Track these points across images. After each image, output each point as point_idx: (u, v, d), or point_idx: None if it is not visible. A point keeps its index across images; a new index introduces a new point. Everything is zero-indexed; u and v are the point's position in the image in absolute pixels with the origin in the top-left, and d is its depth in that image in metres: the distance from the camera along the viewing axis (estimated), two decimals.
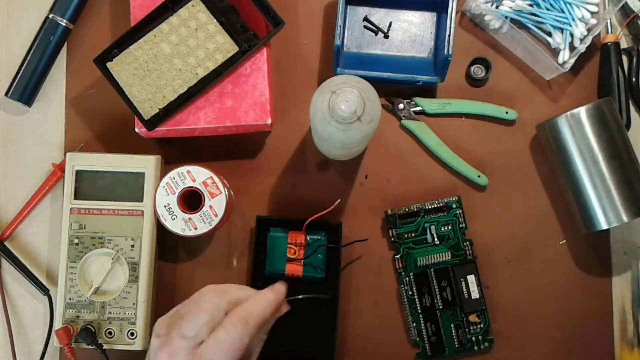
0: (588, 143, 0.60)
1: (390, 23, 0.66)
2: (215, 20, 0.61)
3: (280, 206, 0.65)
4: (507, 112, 0.65)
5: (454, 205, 0.64)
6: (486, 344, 0.63)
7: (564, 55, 0.64)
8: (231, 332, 0.46)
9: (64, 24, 0.64)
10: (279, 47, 0.66)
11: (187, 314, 0.47)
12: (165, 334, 0.47)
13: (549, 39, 0.65)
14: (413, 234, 0.64)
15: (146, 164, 0.61)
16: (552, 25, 0.65)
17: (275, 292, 0.52)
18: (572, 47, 0.65)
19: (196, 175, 0.59)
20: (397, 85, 0.65)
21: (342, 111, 0.48)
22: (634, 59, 0.66)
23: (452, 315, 0.63)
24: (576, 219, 0.64)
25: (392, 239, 0.64)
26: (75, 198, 0.61)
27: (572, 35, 0.64)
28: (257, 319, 0.47)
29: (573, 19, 0.64)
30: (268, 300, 0.50)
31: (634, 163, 0.61)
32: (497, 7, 0.65)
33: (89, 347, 0.59)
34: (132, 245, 0.61)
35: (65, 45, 0.66)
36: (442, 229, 0.64)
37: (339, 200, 0.61)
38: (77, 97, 0.66)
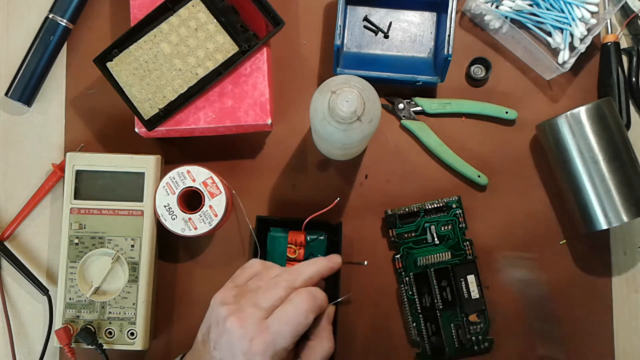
0: (588, 143, 0.60)
1: (390, 23, 0.66)
2: (215, 20, 0.61)
3: (280, 206, 0.65)
4: (507, 112, 0.65)
5: (454, 205, 0.64)
6: (486, 344, 0.63)
7: (564, 55, 0.64)
8: (298, 307, 0.48)
9: (64, 24, 0.64)
10: (279, 47, 0.66)
11: (263, 288, 0.50)
12: (234, 302, 0.49)
13: (549, 39, 0.65)
14: (413, 234, 0.64)
15: (146, 164, 0.61)
16: (552, 25, 0.65)
17: (333, 262, 0.54)
18: (572, 47, 0.65)
19: (196, 175, 0.59)
20: (397, 85, 0.66)
21: (342, 111, 0.48)
22: (634, 59, 0.66)
23: (452, 315, 0.63)
24: (576, 219, 0.64)
25: (392, 239, 0.64)
26: (75, 198, 0.61)
27: (572, 35, 0.64)
28: (322, 300, 0.50)
29: (573, 19, 0.64)
30: (330, 267, 0.53)
31: (634, 163, 0.61)
32: (497, 7, 0.65)
33: (89, 347, 0.59)
34: (132, 245, 0.61)
35: (65, 45, 0.66)
36: (442, 229, 0.64)
37: (338, 199, 0.61)
38: (77, 97, 0.66)
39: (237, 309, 0.48)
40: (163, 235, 0.62)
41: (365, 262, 0.61)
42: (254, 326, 0.47)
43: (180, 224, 0.59)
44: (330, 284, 0.61)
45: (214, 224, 0.59)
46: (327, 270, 0.53)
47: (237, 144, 0.65)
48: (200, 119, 0.61)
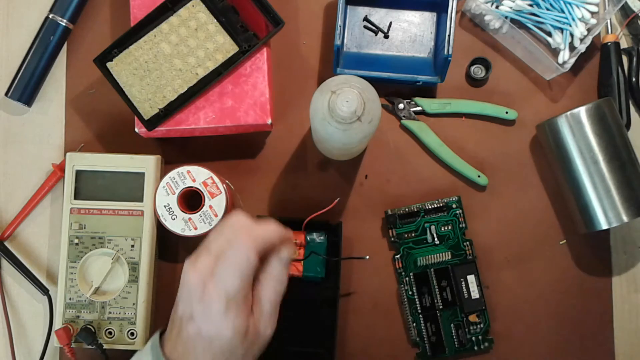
0: (588, 143, 0.60)
1: (390, 23, 0.66)
2: (215, 20, 0.61)
3: (280, 206, 0.65)
4: (507, 112, 0.65)
5: (454, 205, 0.64)
6: (486, 344, 0.63)
7: (564, 55, 0.64)
8: (238, 247, 0.47)
9: (64, 24, 0.64)
10: (279, 47, 0.66)
11: (217, 233, 0.49)
12: (195, 256, 0.49)
13: (549, 39, 0.65)
14: (413, 234, 0.64)
15: (146, 164, 0.61)
16: (552, 25, 0.65)
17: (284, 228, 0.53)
18: (572, 47, 0.65)
19: (196, 175, 0.59)
20: (397, 85, 0.66)
21: (342, 111, 0.48)
22: (634, 59, 0.66)
23: (452, 315, 0.63)
24: (576, 219, 0.64)
25: (392, 239, 0.64)
26: (75, 198, 0.61)
27: (572, 35, 0.64)
28: (264, 236, 0.48)
29: (573, 19, 0.64)
30: (276, 226, 0.51)
31: (634, 163, 0.61)
32: (497, 7, 0.65)
33: (89, 347, 0.59)
34: (132, 245, 0.61)
35: (65, 45, 0.66)
36: (442, 229, 0.64)
37: (337, 199, 0.61)
38: (77, 97, 0.66)
39: (194, 260, 0.48)
40: (163, 235, 0.62)
41: (367, 257, 0.62)
42: (205, 273, 0.47)
43: (180, 224, 0.59)
44: (330, 282, 0.61)
45: (214, 224, 0.59)
46: (278, 237, 0.51)
47: (237, 144, 0.65)
48: (200, 119, 0.61)
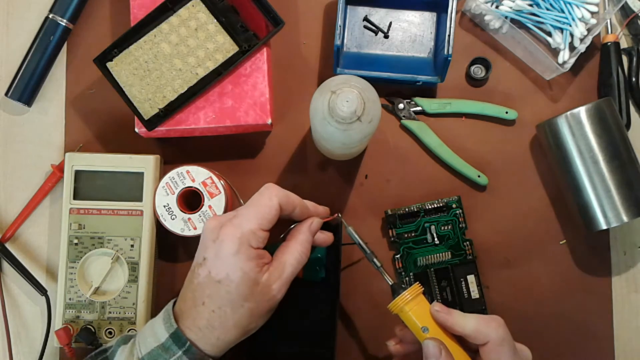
0: (588, 143, 0.60)
1: (390, 23, 0.66)
2: (215, 20, 0.61)
3: None
4: (507, 112, 0.65)
5: (454, 205, 0.64)
6: None
7: (564, 55, 0.64)
8: (262, 193, 0.49)
9: (64, 24, 0.64)
10: (279, 47, 0.66)
11: None
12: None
13: (549, 39, 0.65)
14: (413, 234, 0.64)
15: (145, 164, 0.61)
16: (552, 25, 0.65)
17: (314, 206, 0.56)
18: (572, 47, 0.65)
19: (195, 175, 0.59)
20: (397, 85, 0.66)
21: (342, 111, 0.48)
22: (634, 59, 0.66)
23: None
24: (576, 219, 0.64)
25: (392, 239, 0.64)
26: (74, 198, 0.61)
27: (572, 35, 0.64)
28: (289, 193, 0.51)
29: (573, 19, 0.64)
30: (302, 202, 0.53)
31: (634, 163, 0.61)
32: (497, 7, 0.65)
33: (89, 347, 0.59)
34: (132, 245, 0.61)
35: (65, 45, 0.66)
36: (442, 229, 0.64)
37: (337, 214, 0.59)
38: (77, 97, 0.66)
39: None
40: (163, 235, 0.62)
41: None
42: (225, 218, 0.48)
43: (180, 224, 0.59)
44: (330, 283, 0.61)
45: None
46: (300, 202, 0.53)
47: (237, 144, 0.65)
48: (200, 119, 0.61)
